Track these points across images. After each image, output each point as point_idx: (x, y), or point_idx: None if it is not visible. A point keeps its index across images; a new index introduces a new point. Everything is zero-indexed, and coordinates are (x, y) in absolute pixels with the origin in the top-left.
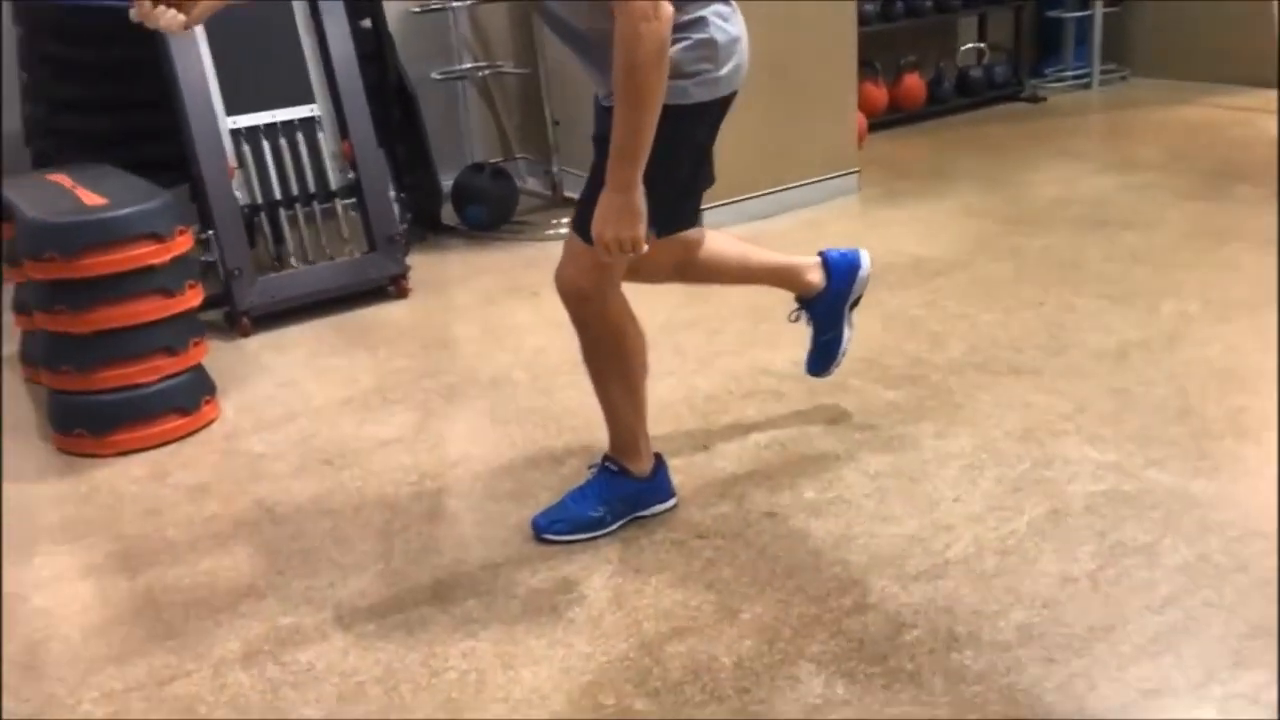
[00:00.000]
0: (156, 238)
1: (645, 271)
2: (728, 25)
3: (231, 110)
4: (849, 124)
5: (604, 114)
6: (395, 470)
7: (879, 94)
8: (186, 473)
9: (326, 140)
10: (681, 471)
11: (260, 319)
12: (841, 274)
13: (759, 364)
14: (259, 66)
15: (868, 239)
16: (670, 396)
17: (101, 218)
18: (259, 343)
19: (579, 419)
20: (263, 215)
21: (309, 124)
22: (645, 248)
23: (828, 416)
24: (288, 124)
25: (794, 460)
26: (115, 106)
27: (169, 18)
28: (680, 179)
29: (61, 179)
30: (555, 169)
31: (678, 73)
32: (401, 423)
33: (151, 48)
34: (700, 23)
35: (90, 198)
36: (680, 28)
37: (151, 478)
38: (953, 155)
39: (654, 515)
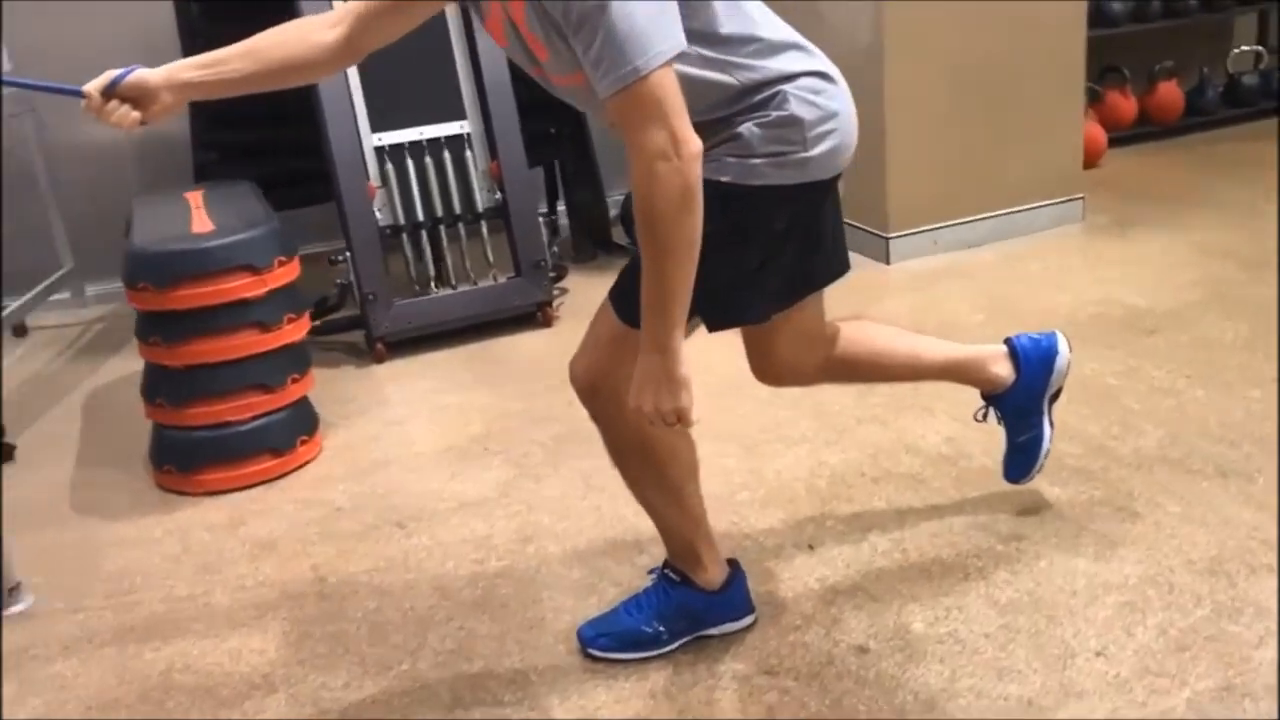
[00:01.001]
0: (252, 270)
1: (774, 374)
2: (820, 99)
3: (377, 127)
4: (1073, 142)
5: None
6: (464, 542)
7: (1127, 105)
8: (260, 523)
9: (475, 159)
10: (771, 576)
11: (398, 344)
12: (1034, 366)
13: (906, 437)
14: (408, 81)
15: (1079, 280)
16: (792, 472)
17: (194, 248)
18: (390, 370)
19: None
20: (404, 236)
21: (457, 142)
22: (693, 420)
23: (968, 517)
24: (434, 141)
25: (912, 574)
26: (269, 120)
27: (120, 114)
28: (744, 267)
29: (193, 197)
30: None
31: (749, 152)
32: (492, 480)
33: None
34: (777, 99)
35: (202, 223)
36: (754, 107)
37: (226, 525)
38: (1205, 178)
39: (723, 635)
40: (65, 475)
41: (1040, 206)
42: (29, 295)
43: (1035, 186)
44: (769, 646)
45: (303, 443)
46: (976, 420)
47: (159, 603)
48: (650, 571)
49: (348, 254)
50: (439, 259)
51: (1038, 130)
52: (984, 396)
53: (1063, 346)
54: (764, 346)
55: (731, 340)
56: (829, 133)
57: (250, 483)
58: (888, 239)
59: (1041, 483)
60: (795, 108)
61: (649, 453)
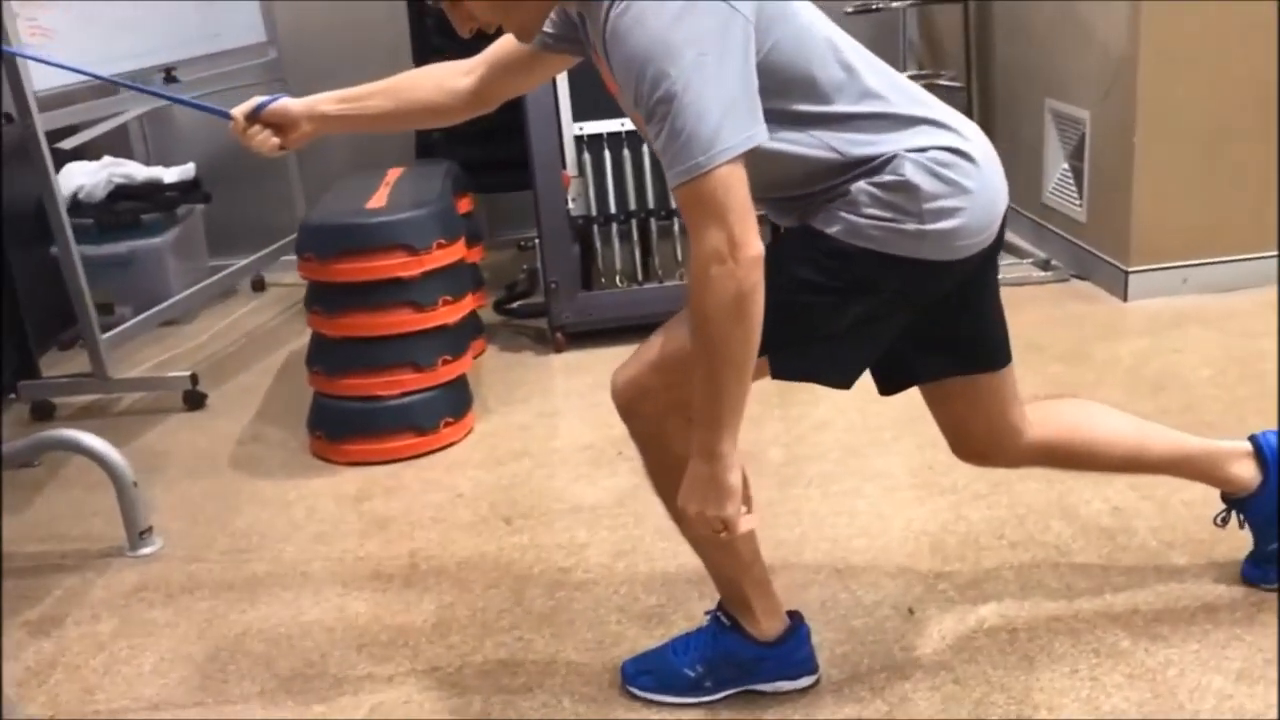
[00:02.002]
0: (409, 249)
1: (970, 451)
2: (947, 172)
3: (579, 116)
4: None
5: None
6: (561, 548)
7: None
8: (384, 500)
9: None
10: (853, 637)
11: (580, 335)
12: None
13: (1067, 501)
14: None
15: None
16: (923, 525)
17: (354, 223)
18: (565, 361)
19: (792, 530)
20: (595, 227)
21: None
22: (742, 528)
23: (1102, 602)
24: (634, 134)
25: (1012, 660)
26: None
27: (261, 139)
28: (831, 324)
29: (392, 174)
30: None
31: (857, 210)
32: (613, 487)
33: None
34: (893, 164)
35: (378, 200)
36: (867, 172)
37: (353, 498)
38: None
39: (775, 693)
40: (238, 428)
41: None
42: (265, 251)
43: None
44: (821, 715)
45: (447, 424)
46: (1216, 525)
47: (266, 564)
48: (707, 612)
49: (536, 240)
50: (628, 253)
51: None
52: (1225, 499)
53: None
54: (946, 419)
55: None
56: (953, 210)
57: (390, 458)
58: (1127, 272)
59: (1212, 578)
60: (911, 173)
61: None
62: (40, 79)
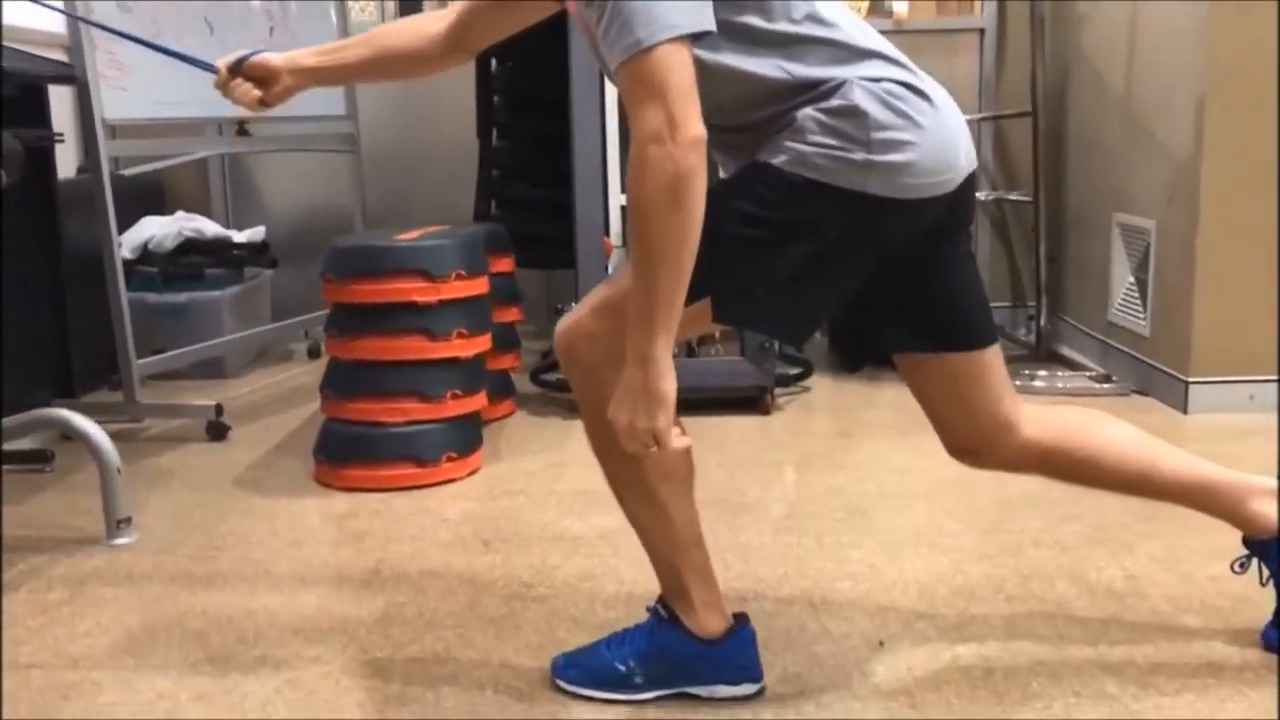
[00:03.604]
0: (427, 276)
1: (960, 447)
2: (899, 104)
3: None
4: None
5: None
6: (531, 568)
7: None
8: (368, 520)
9: None
10: (814, 660)
11: None
12: None
13: (1080, 567)
14: None
15: None
16: (915, 574)
17: (375, 245)
18: None
19: (775, 570)
20: None
21: None
22: (674, 443)
23: (1093, 653)
24: None
25: (981, 695)
26: (544, 178)
27: (243, 91)
28: (774, 268)
29: (437, 228)
30: (1043, 317)
31: (802, 138)
32: (601, 524)
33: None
34: (842, 89)
35: (410, 236)
36: (815, 97)
37: (340, 516)
38: None
39: (712, 699)
40: (252, 457)
41: None
42: (316, 314)
43: None
44: None
45: (449, 459)
46: (1234, 571)
47: (231, 561)
48: (648, 607)
49: (573, 305)
50: None
51: None
52: (1246, 543)
53: None
54: (926, 404)
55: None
56: (903, 143)
57: (388, 485)
58: (1187, 383)
59: (1225, 640)
60: (860, 99)
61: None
62: (111, 108)
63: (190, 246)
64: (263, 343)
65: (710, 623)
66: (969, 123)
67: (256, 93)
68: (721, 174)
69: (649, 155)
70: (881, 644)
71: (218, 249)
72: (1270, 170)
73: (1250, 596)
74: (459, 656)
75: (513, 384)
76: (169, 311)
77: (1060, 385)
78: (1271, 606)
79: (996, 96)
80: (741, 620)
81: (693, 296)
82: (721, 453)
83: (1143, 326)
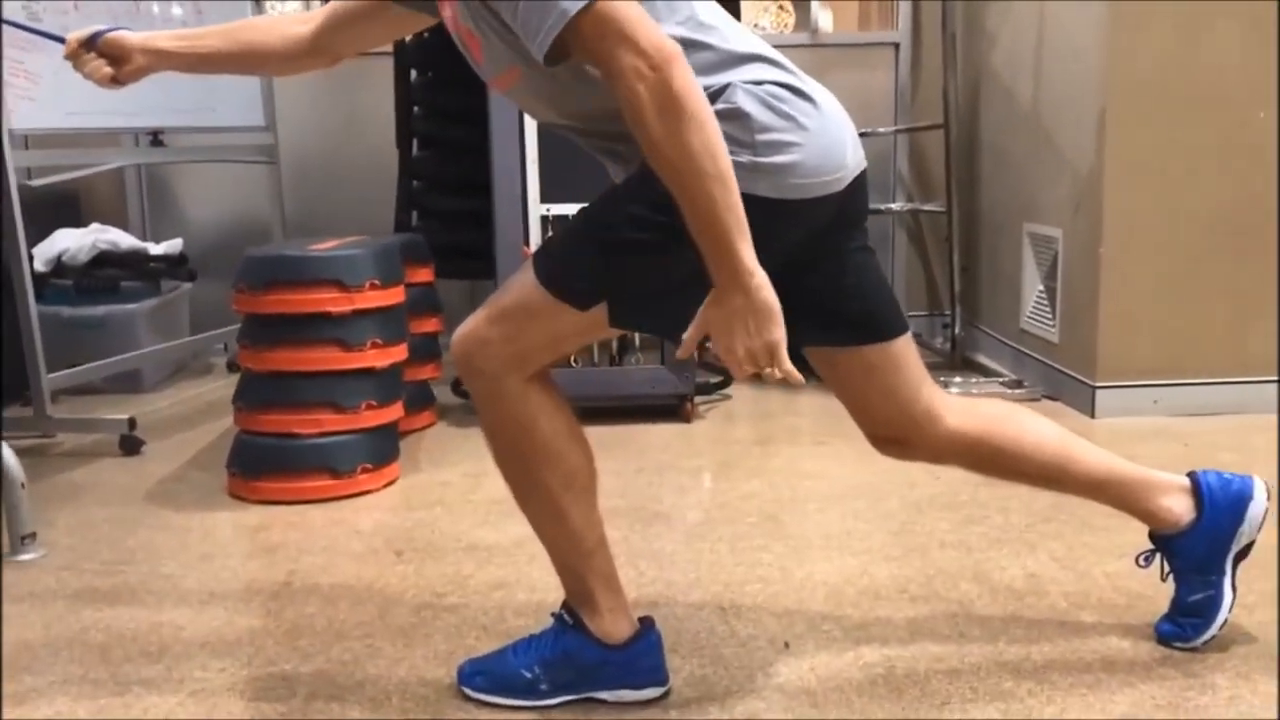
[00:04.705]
0: (340, 286)
1: (881, 437)
2: (783, 105)
3: (547, 197)
4: None
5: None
6: (443, 577)
7: None
8: (280, 532)
9: None
10: (718, 661)
11: None
12: (1220, 508)
13: (984, 566)
14: (587, 157)
15: None
16: (824, 577)
17: (287, 254)
18: None
19: (687, 575)
20: None
21: None
22: (788, 364)
23: (994, 649)
24: None
25: (881, 693)
26: (467, 189)
27: (94, 67)
28: (669, 275)
29: (355, 238)
30: (957, 325)
31: None
32: (516, 534)
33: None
34: (725, 93)
35: (325, 246)
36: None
37: (253, 529)
38: None
39: (618, 704)
40: (166, 471)
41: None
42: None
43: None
44: None
45: (364, 471)
46: (1139, 565)
47: (140, 576)
48: (553, 613)
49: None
50: None
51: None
52: (1153, 538)
53: (1259, 493)
54: (846, 398)
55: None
56: (787, 144)
57: (302, 497)
58: (1094, 388)
59: (1119, 635)
60: (743, 101)
61: (526, 452)
62: (19, 117)
63: (105, 259)
64: (181, 356)
65: (616, 628)
66: (885, 135)
67: (108, 69)
68: (614, 179)
69: (640, 92)
70: (787, 645)
71: (133, 261)
72: (1172, 179)
73: (1145, 593)
74: (367, 666)
75: (433, 395)
76: (84, 325)
77: (975, 392)
78: (1167, 601)
79: (911, 109)
80: (647, 624)
81: (588, 302)
82: (641, 460)
83: (1052, 333)
